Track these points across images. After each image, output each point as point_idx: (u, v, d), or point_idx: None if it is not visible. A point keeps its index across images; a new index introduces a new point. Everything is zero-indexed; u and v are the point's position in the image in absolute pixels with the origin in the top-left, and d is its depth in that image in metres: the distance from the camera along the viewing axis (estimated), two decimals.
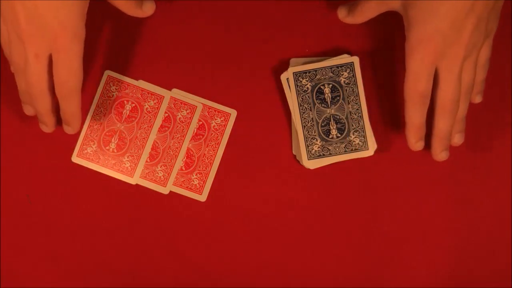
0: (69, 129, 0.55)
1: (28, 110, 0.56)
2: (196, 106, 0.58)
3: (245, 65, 0.58)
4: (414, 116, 0.53)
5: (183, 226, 0.57)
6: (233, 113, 0.58)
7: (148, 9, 0.54)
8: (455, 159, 0.58)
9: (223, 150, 0.58)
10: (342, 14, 0.55)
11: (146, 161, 0.57)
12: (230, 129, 0.58)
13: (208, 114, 0.58)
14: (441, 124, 0.53)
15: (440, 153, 0.55)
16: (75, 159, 0.57)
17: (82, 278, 0.57)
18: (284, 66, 0.58)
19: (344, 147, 0.57)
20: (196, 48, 0.58)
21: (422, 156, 0.58)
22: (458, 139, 0.56)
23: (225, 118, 0.58)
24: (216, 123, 0.58)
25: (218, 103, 0.58)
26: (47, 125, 0.55)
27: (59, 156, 0.57)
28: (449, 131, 0.53)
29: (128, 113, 0.58)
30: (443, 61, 0.50)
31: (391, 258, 0.58)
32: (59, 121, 0.55)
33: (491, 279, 0.58)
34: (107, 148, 0.57)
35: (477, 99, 0.56)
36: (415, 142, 0.54)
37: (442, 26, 0.49)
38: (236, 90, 0.58)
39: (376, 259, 0.58)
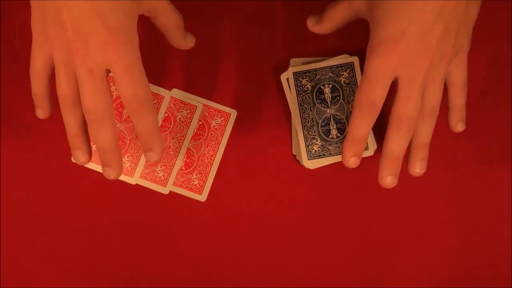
0: (152, 155, 0.47)
1: (79, 158, 0.48)
2: (196, 106, 0.58)
3: (245, 65, 0.58)
4: (359, 126, 0.48)
5: (183, 226, 0.57)
6: (233, 113, 0.58)
7: (189, 42, 0.52)
8: (455, 159, 0.58)
9: (223, 150, 0.58)
10: (311, 23, 0.53)
11: (146, 161, 0.57)
12: (230, 129, 0.58)
13: (208, 114, 0.58)
14: (393, 143, 0.48)
15: (386, 177, 0.49)
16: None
17: (82, 278, 0.57)
18: (284, 66, 0.58)
19: None
20: (196, 48, 0.58)
21: None
22: (420, 168, 0.50)
23: (225, 118, 0.58)
24: (216, 123, 0.58)
25: (218, 103, 0.58)
26: (114, 167, 0.47)
27: (59, 156, 0.57)
28: (401, 154, 0.48)
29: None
30: (405, 69, 0.46)
31: (391, 258, 0.58)
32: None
33: (491, 280, 0.58)
34: None
35: (459, 127, 0.53)
36: (350, 156, 0.49)
37: (408, 29, 0.44)
38: (236, 90, 0.58)
39: (376, 259, 0.58)
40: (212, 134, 0.58)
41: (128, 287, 0.57)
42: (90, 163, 0.57)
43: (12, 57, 0.58)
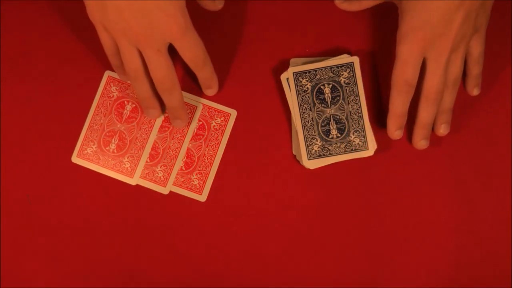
0: (210, 91, 0.57)
1: (153, 114, 0.56)
2: (196, 106, 0.58)
3: (245, 65, 0.58)
4: (397, 104, 0.55)
5: (183, 226, 0.57)
6: (233, 113, 0.58)
7: (219, 4, 0.58)
8: (455, 159, 0.58)
9: (223, 150, 0.58)
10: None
11: (146, 162, 0.57)
12: (230, 129, 0.58)
13: (208, 114, 0.58)
14: (424, 113, 0.55)
15: (419, 141, 0.57)
16: (75, 159, 0.57)
17: (82, 278, 0.57)
18: (284, 66, 0.58)
19: (344, 147, 0.57)
20: None
21: (422, 156, 0.58)
22: (443, 130, 0.57)
23: (225, 118, 0.58)
24: (216, 123, 0.58)
25: (218, 103, 0.58)
26: (182, 119, 0.56)
27: (59, 156, 0.57)
28: (431, 120, 0.56)
29: (128, 113, 0.58)
30: (431, 52, 0.52)
31: (391, 258, 0.58)
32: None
33: (491, 279, 0.58)
34: (107, 148, 0.57)
35: (475, 91, 0.58)
36: (394, 130, 0.56)
37: (432, 18, 0.51)
38: (236, 90, 0.58)
39: (376, 259, 0.58)
40: (212, 134, 0.58)
41: (128, 287, 0.57)
42: (89, 163, 0.57)
43: (12, 57, 0.58)
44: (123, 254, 0.57)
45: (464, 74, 0.58)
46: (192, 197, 0.57)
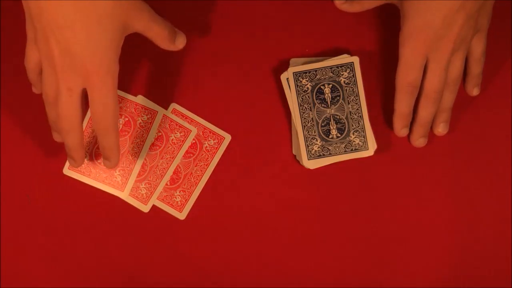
0: (108, 164, 0.53)
1: (57, 137, 0.55)
2: (191, 131, 0.57)
3: (245, 65, 0.58)
4: (402, 105, 0.56)
5: (183, 226, 0.57)
6: (227, 137, 0.57)
7: (180, 43, 0.54)
8: (455, 159, 0.58)
9: (212, 170, 0.57)
10: (339, 0, 0.58)
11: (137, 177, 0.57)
12: (222, 153, 0.57)
13: (203, 134, 0.57)
14: (423, 112, 0.56)
15: (418, 139, 0.57)
16: (67, 171, 0.57)
17: (82, 278, 0.57)
18: (284, 66, 0.58)
19: (344, 147, 0.57)
20: (196, 48, 0.58)
21: (422, 156, 0.58)
22: (442, 129, 0.58)
23: (218, 141, 0.57)
24: (209, 145, 0.57)
25: (217, 103, 0.58)
26: (76, 160, 0.53)
27: (59, 156, 0.57)
28: (430, 119, 0.57)
29: (121, 127, 0.57)
30: (433, 53, 0.53)
31: (391, 258, 0.58)
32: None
33: (491, 279, 0.58)
34: (99, 161, 0.57)
35: (475, 91, 0.58)
36: (400, 128, 0.57)
37: (434, 20, 0.51)
38: (236, 90, 0.58)
39: (376, 259, 0.58)
40: (203, 154, 0.57)
41: (128, 287, 0.57)
42: (81, 175, 0.57)
43: (12, 57, 0.58)
44: (123, 254, 0.57)
45: (465, 73, 0.58)
46: (172, 214, 0.57)
